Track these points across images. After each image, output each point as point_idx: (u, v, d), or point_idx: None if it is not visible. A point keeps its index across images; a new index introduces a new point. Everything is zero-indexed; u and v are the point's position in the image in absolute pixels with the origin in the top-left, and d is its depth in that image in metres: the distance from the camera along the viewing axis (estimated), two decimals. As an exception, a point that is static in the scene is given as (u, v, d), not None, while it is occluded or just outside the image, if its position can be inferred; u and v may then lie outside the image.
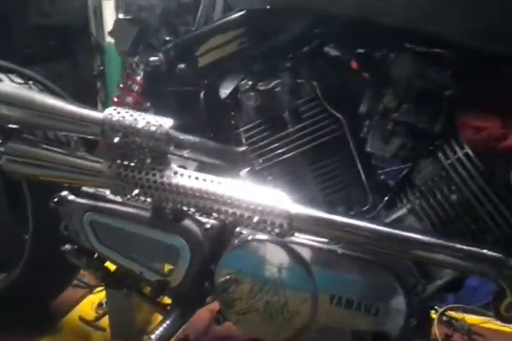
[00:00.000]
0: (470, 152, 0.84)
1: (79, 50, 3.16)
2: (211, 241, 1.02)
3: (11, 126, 1.08)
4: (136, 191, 0.97)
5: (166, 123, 0.94)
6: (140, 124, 0.94)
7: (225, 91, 1.08)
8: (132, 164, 0.97)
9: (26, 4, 3.26)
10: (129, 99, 1.20)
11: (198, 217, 1.01)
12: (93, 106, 1.23)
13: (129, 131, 0.95)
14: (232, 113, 1.11)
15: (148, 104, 1.17)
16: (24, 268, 1.38)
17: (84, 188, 1.11)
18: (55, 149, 1.05)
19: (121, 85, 1.21)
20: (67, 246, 1.14)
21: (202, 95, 1.10)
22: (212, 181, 0.94)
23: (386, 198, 0.96)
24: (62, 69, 2.99)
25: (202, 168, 1.09)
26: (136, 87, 1.19)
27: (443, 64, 0.86)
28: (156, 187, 0.95)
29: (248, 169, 1.08)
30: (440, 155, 0.87)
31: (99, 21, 2.89)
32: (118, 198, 1.08)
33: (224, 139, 1.13)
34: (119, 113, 0.97)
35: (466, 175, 0.84)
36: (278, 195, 0.91)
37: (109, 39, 2.94)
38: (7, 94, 1.04)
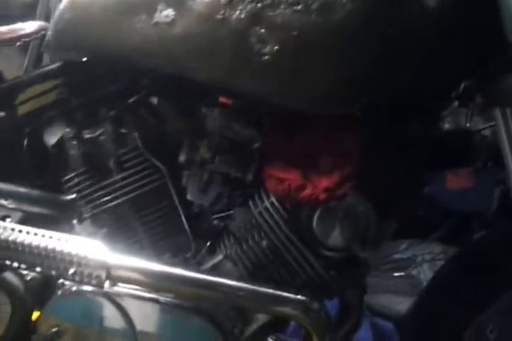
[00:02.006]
0: (275, 201, 0.88)
1: None
2: (34, 293, 0.97)
3: None
4: None
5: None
6: None
7: (50, 140, 1.05)
8: None
9: None
10: None
11: (19, 269, 0.96)
12: None
13: None
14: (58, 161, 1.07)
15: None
16: None
17: None
18: None
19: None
20: None
21: (25, 143, 1.06)
22: (29, 233, 0.90)
23: (208, 244, 0.98)
24: None
25: (28, 218, 1.04)
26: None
27: (251, 118, 0.90)
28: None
29: (77, 217, 1.05)
30: (251, 203, 0.91)
31: None
32: None
33: (52, 188, 1.09)
34: None
35: (272, 222, 0.88)
36: (96, 246, 0.89)
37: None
38: None
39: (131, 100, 1.00)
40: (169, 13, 0.85)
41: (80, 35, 0.92)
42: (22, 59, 1.31)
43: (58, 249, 0.88)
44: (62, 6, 0.92)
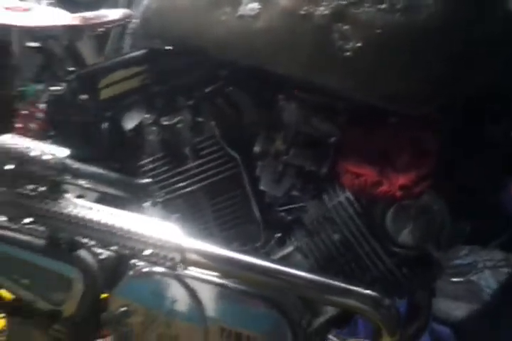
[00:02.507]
0: (350, 196, 0.88)
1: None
2: (107, 272, 1.00)
3: None
4: (30, 219, 0.94)
5: (61, 152, 0.93)
6: (34, 153, 0.92)
7: (129, 125, 1.08)
8: (26, 192, 0.94)
9: None
10: (33, 126, 1.17)
11: (94, 247, 0.99)
12: (10, 127, 1.19)
13: (23, 159, 0.92)
14: (136, 145, 1.10)
15: (52, 133, 1.14)
16: None
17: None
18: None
19: (24, 112, 1.18)
20: None
21: (105, 127, 1.09)
22: (106, 212, 0.93)
23: (278, 235, 0.98)
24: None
25: (103, 199, 1.08)
26: (39, 115, 1.16)
27: (329, 113, 0.90)
28: (49, 215, 0.93)
29: (151, 201, 1.08)
30: (325, 197, 0.91)
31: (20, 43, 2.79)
32: (13, 225, 1.04)
33: (128, 171, 1.12)
34: (14, 140, 0.94)
35: (346, 216, 0.88)
36: (171, 229, 0.91)
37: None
38: None
39: (208, 90, 1.01)
40: (254, 6, 0.86)
41: (165, 24, 0.94)
42: (99, 45, 1.34)
43: (135, 229, 0.91)
44: (150, -5, 0.94)
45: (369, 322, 0.85)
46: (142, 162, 1.06)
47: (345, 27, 0.78)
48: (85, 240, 0.97)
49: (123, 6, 1.40)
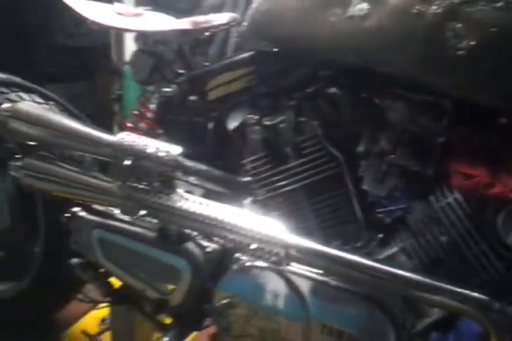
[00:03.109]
0: (459, 197, 0.86)
1: (99, 73, 3.22)
2: (212, 265, 1.04)
3: (29, 142, 1.12)
4: (143, 212, 1.00)
5: (175, 150, 0.97)
6: (150, 150, 0.98)
7: (232, 124, 1.11)
8: (141, 186, 1.00)
9: (52, 25, 3.34)
10: (143, 126, 1.24)
11: (200, 240, 1.04)
12: (109, 128, 1.27)
13: (139, 156, 0.98)
14: (239, 145, 1.13)
15: (161, 131, 1.20)
16: (33, 279, 1.40)
17: (95, 206, 1.14)
18: (69, 167, 1.09)
19: (135, 112, 1.25)
20: (75, 260, 1.17)
21: (211, 126, 1.13)
22: (215, 207, 0.97)
23: (380, 236, 0.98)
24: (81, 90, 3.04)
25: (207, 195, 1.12)
26: (149, 114, 1.22)
27: (436, 112, 0.88)
28: (162, 209, 0.98)
29: (251, 199, 1.10)
30: (432, 198, 0.89)
31: (119, 47, 2.93)
32: (126, 217, 1.11)
33: (230, 169, 1.16)
34: (131, 138, 1.00)
35: (455, 218, 0.86)
36: (277, 225, 0.93)
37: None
38: (28, 113, 1.08)
39: (311, 90, 1.02)
40: (364, 6, 0.87)
41: (274, 26, 0.96)
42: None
43: (241, 224, 0.93)
44: (261, -2, 0.97)
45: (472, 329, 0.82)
46: (244, 161, 1.09)
47: (459, 25, 0.77)
48: (193, 233, 1.02)
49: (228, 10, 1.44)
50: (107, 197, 1.03)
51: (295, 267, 0.97)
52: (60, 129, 1.05)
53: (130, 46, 2.88)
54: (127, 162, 0.98)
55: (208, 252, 1.03)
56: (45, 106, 1.32)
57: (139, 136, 1.01)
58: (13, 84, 1.35)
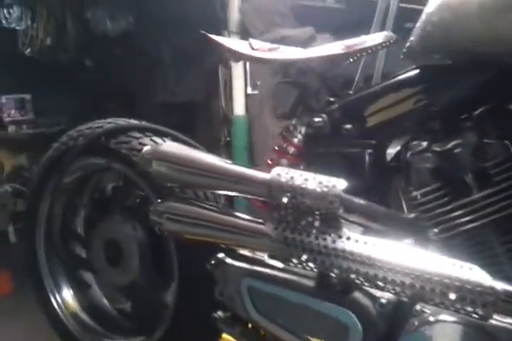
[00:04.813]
0: None
1: (198, 124, 3.24)
2: (387, 320, 0.86)
3: (171, 185, 1.03)
4: (305, 256, 0.84)
5: (339, 184, 0.83)
6: (311, 185, 0.84)
7: (389, 153, 0.96)
8: (299, 227, 0.86)
9: (154, 83, 3.45)
10: (284, 162, 1.11)
11: (370, 288, 0.86)
12: None
13: (298, 192, 0.84)
14: (402, 176, 0.97)
15: (302, 167, 1.08)
16: (166, 333, 1.27)
17: (241, 251, 1.01)
18: (214, 208, 0.98)
19: (275, 147, 1.13)
20: (220, 314, 1.03)
21: (369, 156, 0.98)
22: (394, 249, 0.80)
23: None
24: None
25: (366, 233, 0.95)
26: (291, 150, 1.10)
27: None
28: (327, 252, 0.83)
29: (417, 238, 0.93)
30: None
31: (228, 95, 2.94)
32: (277, 263, 0.96)
33: (390, 204, 1.00)
34: (287, 173, 0.87)
35: None
36: (473, 269, 0.74)
37: (236, 112, 2.99)
38: (173, 154, 0.99)
39: (492, 105, 0.86)
40: None
41: (449, 36, 0.82)
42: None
43: (426, 268, 0.75)
44: (429, 8, 0.84)
45: None
46: (412, 194, 0.93)
47: None
48: (360, 280, 0.85)
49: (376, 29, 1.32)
50: (259, 241, 0.90)
51: (499, 320, 0.77)
52: (207, 169, 0.95)
53: (238, 94, 2.90)
54: (284, 200, 0.85)
55: (382, 304, 0.86)
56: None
57: (295, 170, 0.88)
58: (145, 128, 1.29)
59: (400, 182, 0.98)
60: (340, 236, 0.83)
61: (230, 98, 2.91)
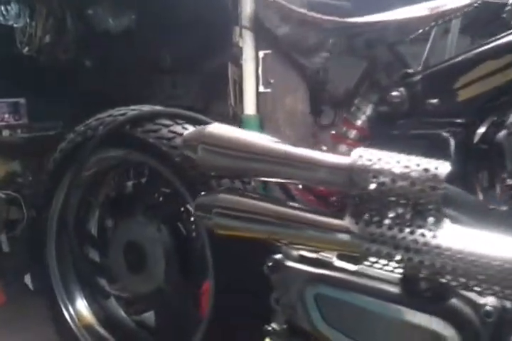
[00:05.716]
0: None
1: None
2: (492, 330, 0.70)
3: (218, 174, 0.87)
4: (398, 256, 0.68)
5: (442, 167, 0.67)
6: (406, 168, 0.68)
7: (478, 133, 0.81)
8: (388, 220, 0.70)
9: (152, 88, 3.30)
10: (342, 148, 0.96)
11: (470, 294, 0.71)
12: None
13: (389, 177, 0.69)
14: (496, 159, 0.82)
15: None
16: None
17: (303, 252, 0.84)
18: (274, 200, 0.82)
19: (332, 132, 0.98)
20: (274, 325, 0.86)
21: (452, 138, 0.83)
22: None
23: None
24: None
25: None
26: (352, 133, 0.95)
27: None
28: (428, 251, 0.67)
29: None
30: None
31: (238, 95, 2.78)
32: (348, 266, 0.80)
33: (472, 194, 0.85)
34: (372, 154, 0.71)
35: None
36: None
37: (247, 111, 2.83)
38: (222, 137, 0.83)
39: None
40: None
41: None
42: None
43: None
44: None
45: None
46: (507, 182, 0.78)
47: None
48: (462, 283, 0.69)
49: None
50: (337, 238, 0.73)
51: None
52: (267, 153, 0.78)
53: (249, 92, 2.74)
54: (372, 186, 0.70)
55: (488, 312, 0.70)
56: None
57: (378, 151, 0.72)
58: (176, 115, 1.13)
59: (491, 168, 0.82)
60: (443, 231, 0.67)
61: (240, 96, 2.75)
